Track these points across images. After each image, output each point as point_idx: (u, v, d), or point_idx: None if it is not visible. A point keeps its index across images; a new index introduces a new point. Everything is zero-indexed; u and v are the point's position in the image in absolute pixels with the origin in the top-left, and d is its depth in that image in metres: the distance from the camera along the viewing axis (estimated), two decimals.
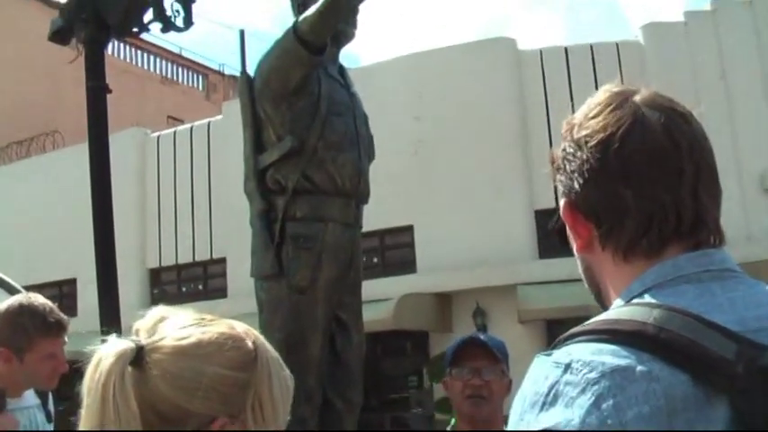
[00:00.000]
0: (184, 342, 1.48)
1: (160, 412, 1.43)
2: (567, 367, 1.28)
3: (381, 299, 17.09)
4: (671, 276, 1.39)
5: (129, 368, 1.44)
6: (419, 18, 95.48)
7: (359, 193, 5.41)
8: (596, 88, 1.52)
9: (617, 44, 20.53)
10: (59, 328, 3.50)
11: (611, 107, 1.46)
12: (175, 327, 1.51)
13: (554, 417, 1.25)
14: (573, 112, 1.55)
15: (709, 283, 1.37)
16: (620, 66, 19.18)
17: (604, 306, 1.55)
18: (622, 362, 1.25)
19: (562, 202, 1.52)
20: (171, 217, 24.07)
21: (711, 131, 1.52)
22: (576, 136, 1.49)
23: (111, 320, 5.92)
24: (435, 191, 20.02)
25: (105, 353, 1.45)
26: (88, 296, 17.44)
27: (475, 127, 19.98)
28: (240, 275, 20.44)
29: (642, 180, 1.42)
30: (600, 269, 1.52)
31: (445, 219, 19.70)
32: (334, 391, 5.30)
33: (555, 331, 18.80)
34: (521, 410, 1.31)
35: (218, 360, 1.48)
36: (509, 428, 1.33)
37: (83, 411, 1.44)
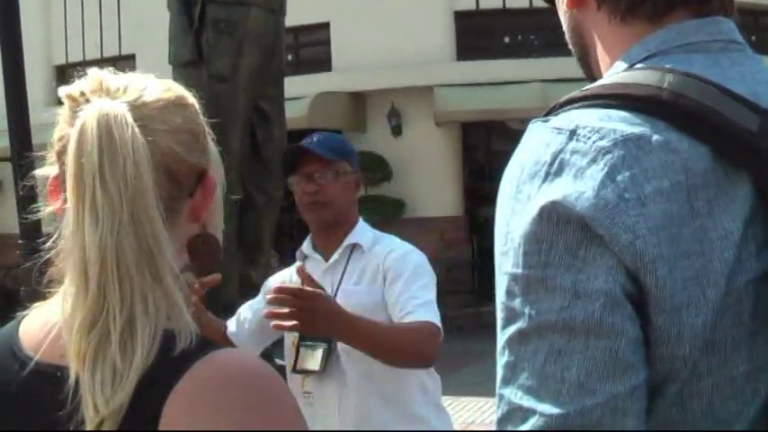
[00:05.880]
0: (170, 95, 1.37)
1: (169, 170, 1.31)
2: (573, 134, 1.10)
3: (295, 97, 16.83)
4: (677, 43, 1.21)
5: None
6: None
7: None
8: None
9: None
10: None
11: None
12: (137, 83, 1.35)
13: (561, 189, 1.08)
14: None
15: (718, 54, 1.20)
16: None
17: (588, 71, 1.38)
18: (636, 130, 1.09)
19: None
20: (77, 9, 23.13)
21: None
22: None
23: (18, 118, 5.77)
24: None
25: (103, 112, 1.24)
26: None
27: None
28: (150, 73, 19.93)
29: None
30: (591, 29, 1.33)
31: (363, 17, 19.26)
32: (254, 186, 5.18)
33: (471, 134, 18.88)
34: (517, 182, 1.13)
35: (198, 110, 1.41)
36: (500, 203, 1.15)
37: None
